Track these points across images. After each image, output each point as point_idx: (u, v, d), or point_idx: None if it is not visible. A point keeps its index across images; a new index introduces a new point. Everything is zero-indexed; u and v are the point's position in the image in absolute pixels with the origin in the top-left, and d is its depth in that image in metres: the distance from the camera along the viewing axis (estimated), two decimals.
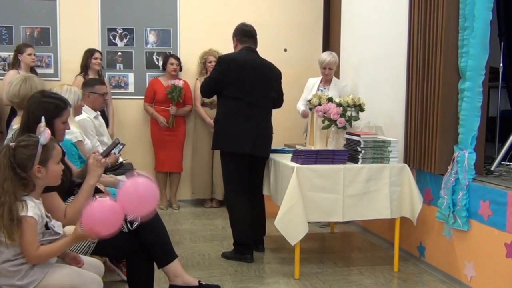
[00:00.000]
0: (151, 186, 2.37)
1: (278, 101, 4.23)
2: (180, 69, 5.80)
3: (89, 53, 5.46)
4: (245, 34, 4.08)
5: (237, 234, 4.05)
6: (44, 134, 2.26)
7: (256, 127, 3.98)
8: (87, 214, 2.22)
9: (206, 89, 4.17)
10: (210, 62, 5.56)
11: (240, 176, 4.02)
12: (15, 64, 5.27)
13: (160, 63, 5.90)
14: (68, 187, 2.70)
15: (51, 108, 2.59)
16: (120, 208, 2.26)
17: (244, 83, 3.95)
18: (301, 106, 4.74)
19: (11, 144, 2.21)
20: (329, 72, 4.68)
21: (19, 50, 5.28)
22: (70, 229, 2.33)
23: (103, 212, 2.22)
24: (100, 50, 5.63)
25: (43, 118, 2.37)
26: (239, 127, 3.94)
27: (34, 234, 2.16)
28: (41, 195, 2.37)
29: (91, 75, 5.36)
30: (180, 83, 5.57)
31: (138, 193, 2.30)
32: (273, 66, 4.15)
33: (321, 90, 4.67)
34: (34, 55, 5.30)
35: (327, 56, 4.69)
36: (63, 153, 2.71)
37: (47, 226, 2.25)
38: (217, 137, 4.08)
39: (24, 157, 2.19)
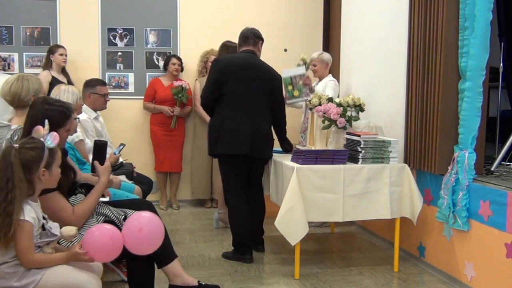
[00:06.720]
0: (158, 227, 2.43)
1: (277, 112, 4.14)
2: (182, 70, 5.80)
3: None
4: (240, 39, 4.17)
5: (236, 235, 4.06)
6: (52, 137, 2.25)
7: (252, 124, 3.93)
8: (89, 238, 2.25)
9: (206, 94, 4.02)
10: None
11: (238, 178, 4.01)
12: (47, 64, 5.27)
13: (161, 63, 5.90)
14: (70, 187, 2.71)
15: (56, 116, 2.55)
16: (122, 242, 2.31)
17: (237, 80, 3.94)
18: None
19: (15, 145, 2.19)
20: (313, 69, 4.92)
21: (51, 51, 5.27)
22: (67, 229, 2.33)
23: (104, 242, 2.26)
24: (99, 49, 5.61)
25: (46, 121, 2.35)
26: (236, 125, 3.90)
27: (30, 239, 2.15)
28: (44, 196, 2.37)
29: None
30: (185, 84, 5.59)
31: (142, 232, 2.36)
32: (266, 70, 4.08)
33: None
34: (66, 55, 5.29)
35: (314, 54, 4.98)
36: (66, 153, 2.72)
37: (43, 228, 2.24)
38: (213, 141, 4.01)
39: (31, 159, 2.18)
